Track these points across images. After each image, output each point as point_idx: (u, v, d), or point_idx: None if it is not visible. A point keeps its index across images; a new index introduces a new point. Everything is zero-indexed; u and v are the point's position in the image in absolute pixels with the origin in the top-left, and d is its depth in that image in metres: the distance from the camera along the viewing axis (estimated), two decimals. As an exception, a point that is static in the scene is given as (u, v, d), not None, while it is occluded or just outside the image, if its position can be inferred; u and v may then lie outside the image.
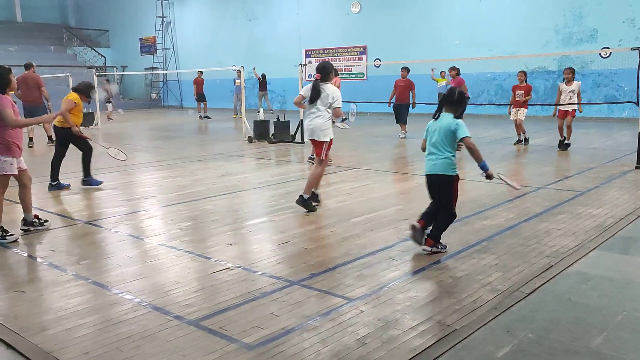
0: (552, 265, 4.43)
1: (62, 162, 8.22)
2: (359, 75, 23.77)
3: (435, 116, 4.86)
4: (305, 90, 6.41)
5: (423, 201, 6.90)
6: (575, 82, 10.79)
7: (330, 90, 6.28)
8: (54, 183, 8.09)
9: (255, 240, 5.45)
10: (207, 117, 22.50)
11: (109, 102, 22.87)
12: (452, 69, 14.05)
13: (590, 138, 13.03)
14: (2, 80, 5.37)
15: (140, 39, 32.54)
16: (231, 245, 5.26)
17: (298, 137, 13.19)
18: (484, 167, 4.72)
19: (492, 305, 3.70)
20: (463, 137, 4.65)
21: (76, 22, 36.85)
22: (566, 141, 10.93)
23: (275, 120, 13.76)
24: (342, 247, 5.02)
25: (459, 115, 4.79)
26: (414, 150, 11.84)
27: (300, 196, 6.34)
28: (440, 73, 18.59)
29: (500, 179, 4.97)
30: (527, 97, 11.74)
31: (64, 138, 8.18)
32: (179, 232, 5.74)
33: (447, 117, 4.77)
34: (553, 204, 6.47)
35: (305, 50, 25.17)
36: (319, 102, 6.29)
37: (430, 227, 4.85)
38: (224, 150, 12.24)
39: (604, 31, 17.33)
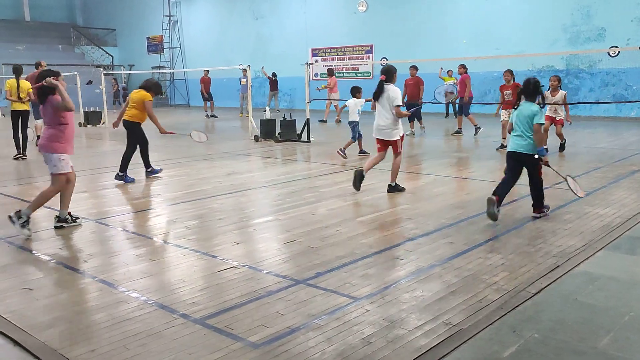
0: (558, 265, 4.41)
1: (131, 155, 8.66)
2: (365, 74, 23.74)
3: (515, 106, 5.82)
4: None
5: (429, 200, 6.92)
6: (560, 91, 10.29)
7: (392, 90, 6.94)
8: (121, 174, 8.54)
9: (261, 239, 5.46)
10: (213, 115, 22.54)
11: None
12: (461, 66, 14.16)
13: (597, 137, 12.96)
14: (47, 88, 5.58)
15: (148, 37, 32.64)
16: (237, 243, 5.27)
17: (304, 136, 13.19)
18: (541, 152, 5.57)
19: (498, 305, 3.69)
20: (537, 123, 5.55)
21: (84, 21, 37.02)
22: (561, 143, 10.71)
23: (282, 119, 13.77)
24: (347, 246, 5.02)
25: (538, 102, 5.78)
26: (420, 149, 11.83)
27: (389, 185, 7.26)
28: (448, 72, 18.56)
29: (567, 182, 5.78)
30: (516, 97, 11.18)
31: (129, 131, 8.71)
32: (185, 230, 5.75)
33: (527, 105, 5.71)
34: (560, 204, 6.44)
35: (312, 49, 25.16)
36: (383, 101, 6.98)
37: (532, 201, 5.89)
38: (230, 149, 12.27)
39: (612, 30, 17.23)
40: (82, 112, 19.17)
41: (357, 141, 10.64)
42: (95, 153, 12.42)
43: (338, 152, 10.18)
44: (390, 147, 7.23)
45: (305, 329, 3.41)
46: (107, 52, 33.26)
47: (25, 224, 5.53)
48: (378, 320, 3.50)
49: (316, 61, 24.51)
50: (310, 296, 3.91)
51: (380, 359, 3.04)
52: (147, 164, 8.93)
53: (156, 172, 9.02)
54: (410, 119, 14.31)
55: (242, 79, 22.11)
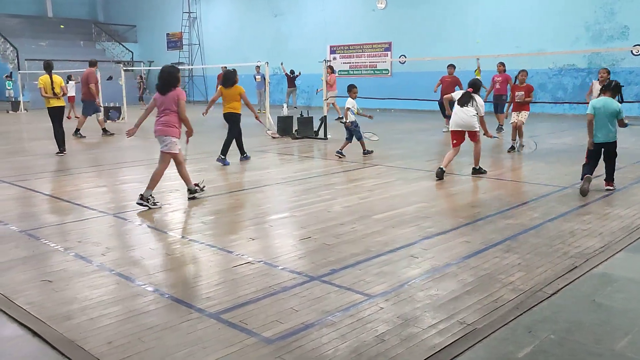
0: (576, 266, 4.36)
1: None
2: (383, 72, 23.66)
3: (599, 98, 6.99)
4: (457, 95, 8.30)
5: (446, 199, 6.88)
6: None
7: (479, 100, 8.05)
8: (223, 157, 9.69)
9: (277, 235, 5.48)
10: None
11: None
12: (501, 64, 14.62)
13: (619, 138, 12.73)
14: (173, 78, 6.70)
15: (167, 34, 32.89)
16: (253, 239, 5.29)
17: (321, 134, 13.19)
18: (624, 124, 6.87)
19: (514, 305, 3.66)
20: (621, 119, 6.82)
21: (105, 17, 37.44)
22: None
23: (299, 116, 13.78)
24: (363, 244, 5.01)
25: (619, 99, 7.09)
26: (438, 147, 11.75)
27: (473, 168, 8.25)
28: (475, 71, 18.41)
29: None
30: (528, 98, 10.86)
31: (232, 121, 10.04)
32: (202, 225, 5.80)
33: (612, 102, 6.80)
34: (579, 204, 6.36)
35: (331, 46, 25.14)
36: (470, 106, 8.00)
37: (606, 176, 7.08)
38: (247, 146, 12.28)
39: (636, 28, 16.94)
40: (102, 108, 19.39)
41: (360, 141, 10.42)
42: (114, 148, 12.56)
43: (336, 154, 10.15)
44: (468, 138, 8.19)
45: (319, 325, 3.42)
46: (127, 48, 33.61)
47: (153, 201, 6.52)
48: (392, 318, 3.49)
49: (334, 58, 24.47)
50: (324, 293, 3.91)
51: (393, 357, 3.03)
52: (242, 150, 10.20)
53: (248, 157, 10.19)
54: (445, 115, 14.32)
55: (257, 76, 22.19)
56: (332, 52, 25.06)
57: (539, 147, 10.50)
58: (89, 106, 14.40)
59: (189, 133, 7.01)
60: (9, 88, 25.78)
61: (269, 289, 3.99)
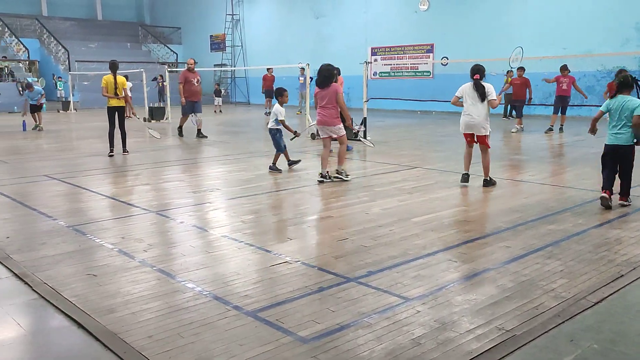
0: (622, 275, 4.22)
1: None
2: (425, 74, 23.45)
3: (612, 96, 6.24)
4: (460, 91, 7.66)
5: (487, 203, 6.77)
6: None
7: (488, 86, 7.45)
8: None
9: (315, 236, 5.51)
10: (267, 113, 22.86)
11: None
12: (520, 69, 14.81)
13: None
14: (331, 75, 8.12)
15: (211, 36, 33.46)
16: (291, 239, 5.33)
17: (361, 135, 13.17)
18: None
19: (556, 313, 3.57)
20: (636, 115, 5.96)
21: (151, 20, 38.40)
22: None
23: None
24: (400, 247, 4.98)
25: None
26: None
27: (484, 179, 7.60)
28: (507, 73, 18.12)
29: None
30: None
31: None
32: (241, 224, 5.87)
33: (630, 99, 6.07)
34: (627, 211, 6.15)
35: (372, 48, 25.06)
36: (476, 98, 7.43)
37: (620, 189, 6.31)
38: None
39: (691, 29, 16.26)
40: (147, 108, 19.90)
41: (283, 153, 9.31)
42: (157, 147, 12.86)
43: (270, 169, 9.10)
44: (479, 143, 7.68)
45: (355, 326, 3.42)
46: (172, 50, 34.36)
47: (345, 174, 8.18)
48: (429, 322, 3.46)
49: (375, 60, 24.38)
50: (361, 294, 3.91)
51: (429, 361, 3.01)
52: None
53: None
54: (518, 115, 15.37)
55: (300, 78, 22.33)
56: (373, 53, 24.97)
57: (583, 152, 10.22)
58: (185, 106, 14.06)
59: (347, 120, 8.49)
60: (59, 89, 26.74)
61: (306, 289, 4.01)
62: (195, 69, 14.68)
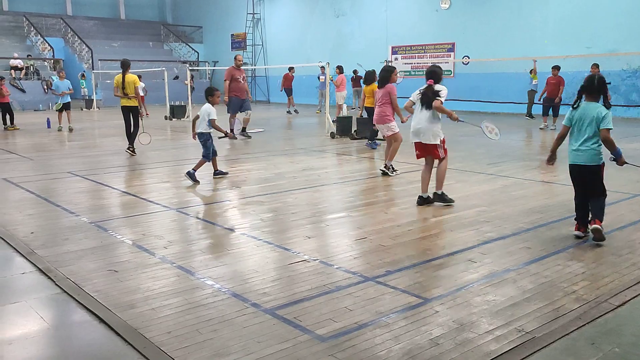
0: (646, 278, 4.15)
1: None
2: (446, 73, 23.25)
3: (575, 105, 4.98)
4: (413, 95, 6.75)
5: (506, 204, 6.69)
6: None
7: (438, 86, 6.57)
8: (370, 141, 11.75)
9: (333, 235, 5.51)
10: (295, 111, 22.93)
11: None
12: (555, 67, 15.29)
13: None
14: (388, 75, 8.62)
15: (232, 35, 33.65)
16: (309, 238, 5.34)
17: (380, 135, 13.13)
18: (617, 153, 4.89)
19: (576, 315, 3.52)
20: (604, 129, 4.77)
21: (173, 19, 38.75)
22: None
23: (359, 117, 13.77)
24: (419, 246, 4.96)
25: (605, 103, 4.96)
26: (499, 150, 11.44)
27: (435, 193, 6.55)
28: (531, 71, 17.94)
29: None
30: None
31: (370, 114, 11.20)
32: (260, 222, 5.90)
33: (594, 106, 4.88)
34: (651, 213, 6.04)
35: (392, 47, 24.97)
36: (428, 109, 6.46)
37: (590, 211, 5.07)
38: (306, 145, 12.42)
39: None
40: (168, 106, 20.09)
41: (211, 160, 8.37)
42: (178, 145, 12.98)
43: (186, 174, 8.13)
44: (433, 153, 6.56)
45: (372, 325, 3.41)
46: (193, 49, 34.63)
47: (391, 169, 8.50)
48: (447, 322, 3.44)
49: (396, 59, 24.28)
50: (379, 294, 3.90)
51: (447, 361, 2.99)
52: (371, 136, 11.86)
53: (375, 146, 11.83)
54: (545, 113, 15.49)
55: (320, 76, 22.34)
56: (394, 52, 24.88)
57: (607, 153, 10.02)
58: (232, 104, 13.61)
59: (401, 118, 8.47)
60: (83, 87, 27.14)
61: (324, 288, 4.02)
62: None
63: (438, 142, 6.46)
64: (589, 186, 5.01)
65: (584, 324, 3.40)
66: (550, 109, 15.36)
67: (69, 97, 16.18)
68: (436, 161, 6.64)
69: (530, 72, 17.88)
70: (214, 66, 31.95)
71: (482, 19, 21.42)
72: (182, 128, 16.70)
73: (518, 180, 8.05)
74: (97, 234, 5.51)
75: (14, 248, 5.03)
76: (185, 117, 19.68)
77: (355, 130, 13.61)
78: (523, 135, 14.52)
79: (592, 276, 4.19)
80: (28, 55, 29.07)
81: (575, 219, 5.20)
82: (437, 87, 6.52)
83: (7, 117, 16.66)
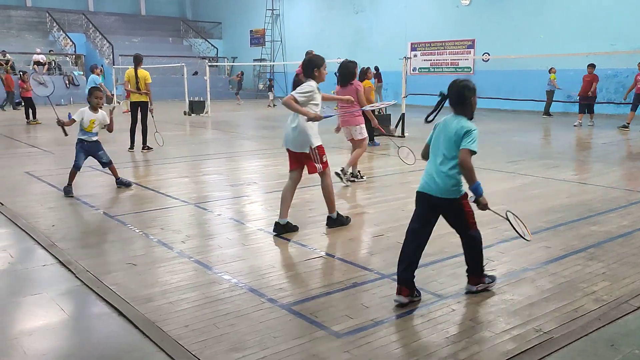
0: (668, 279, 4.07)
1: None
2: (465, 70, 23.08)
3: (428, 118, 3.82)
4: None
5: (526, 202, 6.62)
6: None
7: (302, 88, 5.26)
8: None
9: (350, 231, 5.50)
10: None
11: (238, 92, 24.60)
12: (590, 65, 15.68)
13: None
14: (349, 72, 7.52)
15: (251, 31, 33.73)
16: (326, 234, 5.35)
17: (399, 131, 13.08)
18: (477, 192, 3.66)
19: (596, 316, 3.47)
20: (465, 148, 3.54)
21: (192, 15, 38.97)
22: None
23: (377, 113, 13.71)
24: (436, 244, 4.92)
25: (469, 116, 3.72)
26: (519, 148, 11.33)
27: (329, 217, 5.52)
28: (550, 70, 17.71)
29: (508, 220, 3.83)
30: None
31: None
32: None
33: (455, 119, 3.69)
34: (674, 213, 5.93)
35: (411, 43, 24.82)
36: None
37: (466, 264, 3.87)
38: (323, 142, 12.40)
39: None
40: (187, 102, 20.23)
41: (110, 167, 7.49)
42: (197, 141, 13.07)
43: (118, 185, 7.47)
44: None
45: (388, 322, 3.41)
46: (212, 45, 34.79)
47: (350, 177, 7.61)
48: (464, 321, 3.42)
49: (415, 55, 24.14)
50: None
51: (463, 360, 2.98)
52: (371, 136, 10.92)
53: (376, 144, 11.29)
54: (581, 110, 15.60)
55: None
56: (413, 49, 24.73)
57: (627, 152, 9.89)
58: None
59: (372, 121, 7.89)
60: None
61: (340, 284, 4.02)
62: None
63: (307, 152, 5.25)
64: (452, 220, 3.85)
65: (604, 325, 3.36)
66: (585, 107, 15.59)
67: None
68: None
69: (550, 70, 17.75)
70: (233, 62, 32.07)
71: (503, 15, 21.18)
72: (200, 124, 16.80)
73: (537, 179, 7.96)
74: (117, 228, 5.58)
75: (36, 240, 5.12)
76: (204, 112, 19.80)
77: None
78: (542, 133, 14.35)
79: (613, 277, 4.13)
80: (50, 51, 29.48)
81: (397, 276, 3.73)
82: (305, 84, 5.27)
83: (30, 111, 16.94)
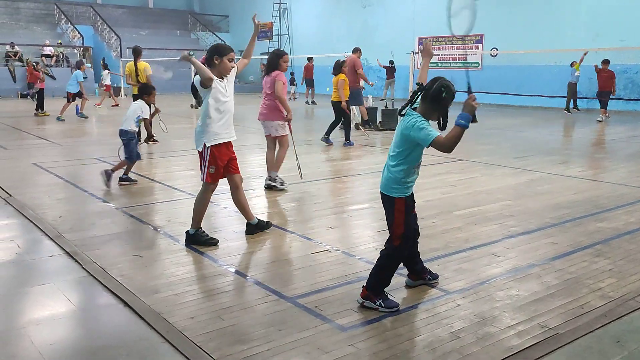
0: (675, 276, 4.05)
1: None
2: (473, 65, 22.96)
3: (401, 111, 3.50)
4: None
5: (533, 198, 6.60)
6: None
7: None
8: (326, 136, 11.04)
9: (355, 226, 5.50)
10: (313, 102, 22.91)
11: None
12: (605, 62, 15.67)
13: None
14: (271, 61, 6.88)
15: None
16: (331, 228, 5.35)
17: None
18: (465, 119, 3.42)
19: (602, 313, 3.46)
20: (430, 146, 3.30)
21: (200, 8, 38.95)
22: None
23: (384, 107, 13.69)
24: (442, 239, 4.93)
25: (437, 117, 3.48)
26: (527, 144, 11.28)
27: (248, 224, 5.11)
28: (575, 65, 17.46)
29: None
30: None
31: (336, 109, 11.07)
32: (283, 212, 5.93)
33: (411, 117, 3.40)
34: (683, 211, 5.89)
35: (419, 38, 24.70)
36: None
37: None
38: (330, 136, 12.39)
39: None
40: (194, 95, 20.22)
41: (131, 164, 7.39)
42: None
43: (108, 184, 6.96)
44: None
45: (393, 317, 3.41)
46: (220, 38, 34.74)
47: (279, 181, 6.92)
48: (469, 316, 3.41)
49: (422, 50, 24.03)
50: (400, 285, 3.89)
51: (468, 355, 2.97)
52: (347, 136, 11.07)
53: (351, 144, 10.91)
54: (603, 106, 15.80)
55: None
56: (420, 43, 24.60)
57: (637, 149, 9.82)
58: (356, 95, 12.68)
59: (288, 112, 6.83)
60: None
61: (346, 278, 4.02)
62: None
63: (200, 149, 4.98)
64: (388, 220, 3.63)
65: (610, 322, 3.34)
66: (600, 102, 15.78)
67: (80, 87, 16.29)
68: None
69: (572, 64, 17.40)
70: (240, 55, 32.00)
71: (511, 10, 21.04)
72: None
73: (544, 175, 7.92)
74: (123, 220, 5.60)
75: (43, 231, 5.15)
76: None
77: (380, 122, 13.53)
78: (550, 129, 14.27)
79: (619, 273, 4.11)
80: (59, 43, 29.55)
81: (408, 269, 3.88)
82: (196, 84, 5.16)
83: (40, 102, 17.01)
